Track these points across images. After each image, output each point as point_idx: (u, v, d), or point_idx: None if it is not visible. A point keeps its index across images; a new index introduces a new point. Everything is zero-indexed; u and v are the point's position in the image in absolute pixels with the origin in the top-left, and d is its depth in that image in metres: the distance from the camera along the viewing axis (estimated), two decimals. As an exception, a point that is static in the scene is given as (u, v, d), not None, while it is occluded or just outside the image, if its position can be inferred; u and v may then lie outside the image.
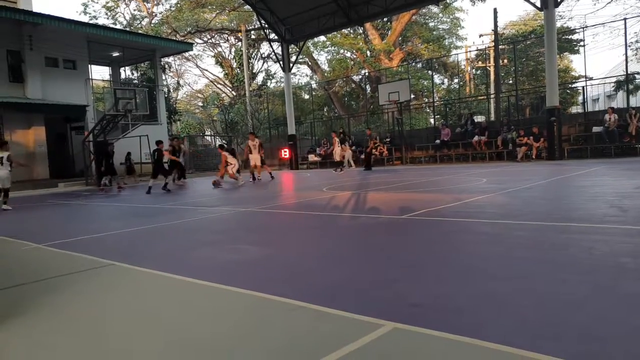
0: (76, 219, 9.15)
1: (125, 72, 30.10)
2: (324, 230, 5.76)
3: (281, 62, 26.69)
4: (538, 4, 17.69)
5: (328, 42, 38.06)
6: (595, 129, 17.50)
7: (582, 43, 30.88)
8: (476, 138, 20.17)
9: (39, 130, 21.31)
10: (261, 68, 42.47)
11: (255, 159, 16.38)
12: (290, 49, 26.32)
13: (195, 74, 48.86)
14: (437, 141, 21.53)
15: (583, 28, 26.72)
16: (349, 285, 3.24)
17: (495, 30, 26.77)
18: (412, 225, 5.62)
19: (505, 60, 33.10)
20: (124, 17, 40.95)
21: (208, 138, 40.78)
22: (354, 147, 23.44)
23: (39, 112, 21.02)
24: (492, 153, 19.74)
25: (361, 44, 37.33)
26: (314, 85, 40.53)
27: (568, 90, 31.74)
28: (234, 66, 41.27)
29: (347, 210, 7.37)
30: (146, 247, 5.43)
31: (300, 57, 34.30)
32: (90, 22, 35.54)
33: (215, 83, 46.21)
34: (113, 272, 4.16)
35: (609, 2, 31.89)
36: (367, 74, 35.85)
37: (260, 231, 6.16)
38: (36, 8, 23.55)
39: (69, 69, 22.69)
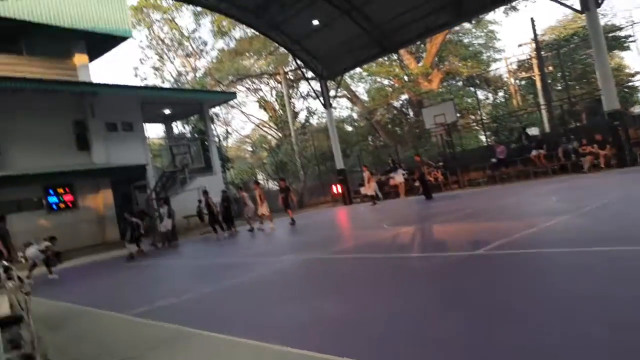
0: (151, 281, 9.41)
1: (177, 127, 31.47)
2: (398, 277, 5.60)
3: (321, 99, 27.07)
4: (578, 7, 17.13)
5: (364, 73, 38.36)
6: (666, 127, 16.45)
7: (632, 39, 29.64)
8: (534, 152, 19.36)
9: (107, 193, 22.44)
10: (302, 106, 43.37)
11: (264, 208, 16.65)
12: (328, 85, 26.73)
13: (242, 120, 50.98)
14: (493, 160, 20.84)
15: (632, 25, 25.63)
16: (445, 346, 3.09)
17: (535, 40, 26.11)
18: (492, 261, 5.36)
19: (551, 67, 32.10)
20: (171, 75, 43.23)
21: (261, 182, 41.58)
22: (405, 174, 23.23)
23: (105, 176, 22.20)
24: (555, 167, 18.83)
25: (397, 70, 37.36)
26: (355, 117, 40.79)
27: (626, 89, 30.22)
28: (277, 108, 42.30)
29: (416, 249, 7.18)
30: (225, 310, 5.46)
31: (339, 90, 34.73)
32: (141, 83, 37.73)
33: (261, 126, 47.42)
34: (201, 342, 4.18)
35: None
36: (407, 98, 35.71)
37: (333, 283, 6.07)
38: (93, 75, 25.18)
39: (126, 130, 23.94)
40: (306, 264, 7.72)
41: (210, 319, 5.12)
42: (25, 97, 19.54)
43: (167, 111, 27.21)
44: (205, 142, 27.19)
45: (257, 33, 27.73)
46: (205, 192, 18.68)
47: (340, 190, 26.21)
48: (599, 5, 16.74)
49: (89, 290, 9.35)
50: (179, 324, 4.89)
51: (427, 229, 9.13)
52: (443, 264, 5.74)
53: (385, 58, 35.61)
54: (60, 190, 21.08)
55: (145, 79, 42.22)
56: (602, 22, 28.94)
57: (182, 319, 5.16)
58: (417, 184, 20.04)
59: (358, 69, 35.41)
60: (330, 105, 27.10)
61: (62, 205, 21.08)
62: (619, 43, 32.20)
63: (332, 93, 27.67)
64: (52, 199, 20.83)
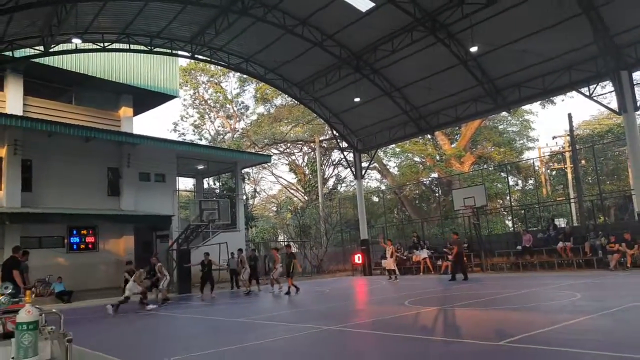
0: (167, 333, 9.43)
1: (208, 182, 32.28)
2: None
3: (352, 169, 27.58)
4: (616, 108, 17.47)
5: (398, 149, 39.07)
6: (699, 235, 16.09)
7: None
8: (561, 244, 19.07)
9: (129, 239, 22.85)
10: (332, 173, 44.10)
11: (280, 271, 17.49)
12: (361, 156, 27.29)
13: (271, 181, 52.00)
14: (519, 247, 20.57)
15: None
16: None
17: (571, 135, 26.35)
18: (514, 356, 5.27)
19: (583, 161, 32.11)
20: (209, 133, 44.93)
21: (281, 243, 41.65)
22: (427, 251, 23.02)
23: (130, 223, 22.71)
24: (580, 260, 18.47)
25: (431, 149, 37.96)
26: (383, 188, 41.11)
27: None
28: (307, 172, 43.11)
29: (436, 333, 7.08)
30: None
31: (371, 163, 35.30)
32: (180, 138, 39.27)
33: (289, 189, 48.16)
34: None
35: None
36: (437, 177, 35.99)
37: (347, 358, 6.02)
38: (135, 127, 26.45)
39: (159, 182, 24.72)
40: (323, 335, 7.65)
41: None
42: (66, 141, 20.65)
43: (200, 167, 28.10)
44: (234, 200, 27.74)
45: (297, 102, 28.89)
46: (240, 250, 19.16)
47: (361, 261, 26.02)
48: (637, 108, 17.07)
49: (104, 336, 9.41)
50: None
51: (450, 314, 8.99)
52: (463, 352, 5.66)
53: (420, 137, 36.35)
54: (84, 232, 21.61)
55: (183, 134, 44.00)
56: (638, 121, 29.22)
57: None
58: (449, 259, 19.55)
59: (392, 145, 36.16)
60: (362, 176, 27.53)
61: (82, 246, 21.53)
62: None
63: (364, 164, 28.14)
64: (74, 239, 21.31)
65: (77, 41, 19.05)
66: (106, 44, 19.67)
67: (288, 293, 15.61)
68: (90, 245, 21.77)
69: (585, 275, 15.51)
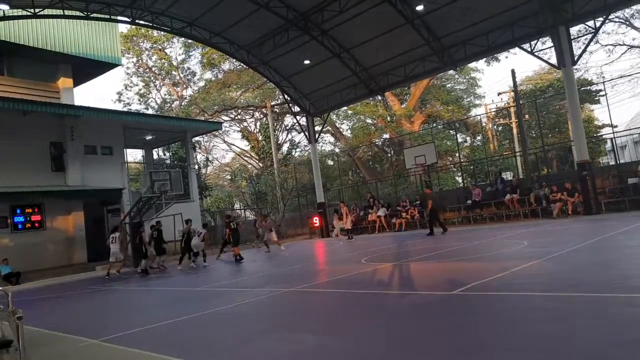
0: (123, 307, 9.29)
1: (158, 153, 31.33)
2: (377, 313, 5.73)
3: (306, 134, 27.50)
4: (555, 63, 18.12)
5: (350, 111, 39.18)
6: (631, 180, 17.21)
7: (601, 93, 31.19)
8: (508, 197, 19.99)
9: (78, 215, 22.07)
10: (286, 139, 43.82)
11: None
12: (314, 120, 27.20)
13: (223, 149, 50.94)
14: (469, 202, 21.40)
15: (603, 82, 27.02)
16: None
17: (515, 90, 27.23)
18: (467, 303, 5.55)
19: (527, 116, 33.36)
20: (155, 102, 43.29)
21: (238, 211, 41.42)
22: (383, 208, 23.67)
23: (78, 198, 21.87)
24: (526, 211, 19.47)
25: (381, 110, 38.30)
26: (337, 151, 41.37)
27: (594, 140, 31.57)
28: (260, 139, 42.62)
29: (393, 287, 7.34)
30: (200, 340, 5.47)
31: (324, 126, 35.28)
32: (125, 108, 37.65)
33: (242, 156, 47.56)
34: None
35: (624, 53, 32.26)
36: (389, 138, 36.53)
37: (309, 316, 6.15)
38: (76, 99, 25.10)
39: (106, 154, 23.78)
40: (284, 296, 7.76)
41: (186, 347, 5.12)
42: (1, 116, 19.36)
43: (148, 137, 27.18)
44: (186, 170, 27.15)
45: (246, 67, 28.22)
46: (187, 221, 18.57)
47: (319, 224, 26.38)
48: (574, 62, 17.79)
49: (58, 313, 9.17)
50: (153, 352, 4.90)
51: (405, 268, 9.31)
52: (420, 303, 5.89)
53: (371, 98, 36.53)
54: (29, 210, 20.70)
55: (129, 104, 42.23)
56: (576, 76, 30.47)
57: (156, 347, 5.17)
58: (403, 216, 20.24)
59: (344, 107, 36.21)
60: (316, 140, 27.51)
61: (28, 225, 20.66)
62: (590, 96, 33.78)
63: (317, 128, 28.09)
64: (19, 219, 20.41)
65: (4, 7, 17.66)
66: (37, 10, 18.32)
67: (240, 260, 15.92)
68: (36, 224, 20.90)
69: (531, 224, 16.39)
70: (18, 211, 20.36)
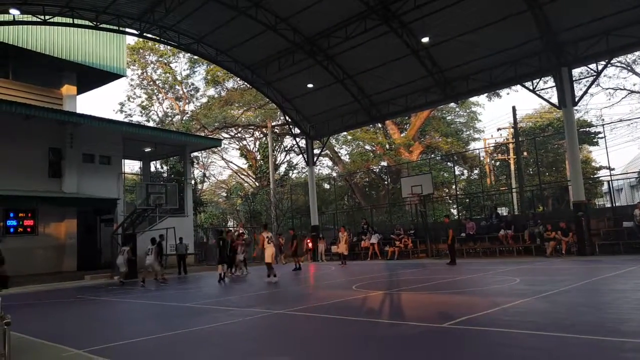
0: (111, 319, 9.14)
1: (155, 166, 31.30)
2: (365, 343, 5.64)
3: (305, 156, 27.59)
4: (556, 102, 18.34)
5: (349, 137, 39.42)
6: (626, 224, 17.23)
7: (600, 135, 31.53)
8: (502, 232, 19.99)
9: (71, 222, 21.90)
10: (284, 159, 43.93)
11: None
12: (313, 144, 27.32)
13: (220, 166, 50.84)
14: (463, 234, 21.37)
15: (602, 125, 27.36)
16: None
17: (515, 127, 27.52)
18: (457, 337, 5.48)
19: (525, 153, 33.62)
20: (157, 115, 43.47)
21: (231, 228, 41.18)
22: (376, 235, 23.57)
23: (72, 206, 21.74)
24: (520, 247, 19.45)
25: (381, 138, 38.57)
26: (334, 175, 41.47)
27: (590, 181, 31.79)
28: (258, 158, 42.70)
29: (383, 316, 7.24)
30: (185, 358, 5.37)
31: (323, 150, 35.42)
32: (126, 119, 37.79)
33: (239, 174, 47.55)
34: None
35: (624, 97, 32.83)
36: (387, 165, 36.68)
37: (296, 341, 6.06)
38: (79, 107, 25.21)
39: (103, 164, 23.77)
40: (273, 319, 7.66)
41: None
42: (2, 119, 19.40)
43: (147, 149, 27.21)
44: (182, 185, 27.11)
45: (249, 86, 28.47)
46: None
47: (312, 247, 26.19)
48: (575, 103, 18.03)
49: (43, 321, 9.00)
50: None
51: (395, 297, 9.22)
52: (409, 334, 5.82)
53: (371, 125, 36.85)
54: (22, 215, 20.57)
55: (130, 115, 42.37)
56: (576, 117, 30.88)
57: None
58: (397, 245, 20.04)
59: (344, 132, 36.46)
60: (314, 163, 27.59)
61: (20, 229, 20.51)
62: (589, 138, 34.12)
63: (315, 151, 28.19)
64: (11, 222, 20.28)
65: (15, 12, 17.87)
66: (47, 17, 18.54)
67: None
68: (28, 229, 20.74)
69: (524, 261, 16.35)
70: (11, 215, 20.22)
